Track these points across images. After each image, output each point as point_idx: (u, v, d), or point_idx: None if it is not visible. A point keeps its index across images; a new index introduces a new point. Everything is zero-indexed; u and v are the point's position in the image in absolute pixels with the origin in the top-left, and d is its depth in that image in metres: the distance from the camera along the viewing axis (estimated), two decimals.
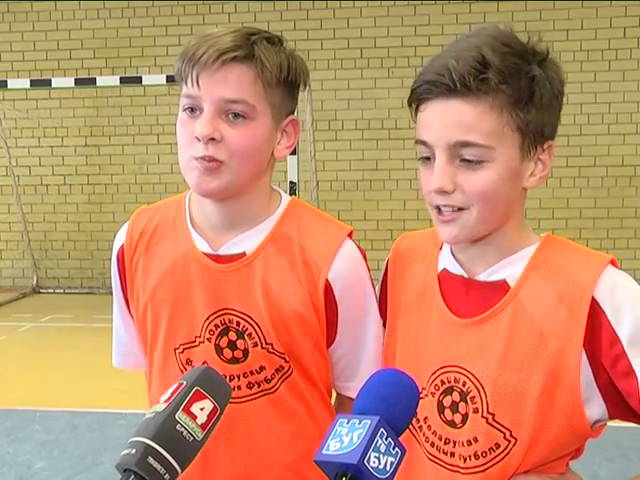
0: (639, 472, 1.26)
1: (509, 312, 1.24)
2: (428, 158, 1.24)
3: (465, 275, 1.30)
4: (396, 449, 0.91)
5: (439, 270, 1.34)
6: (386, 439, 0.90)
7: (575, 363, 1.20)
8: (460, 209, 1.22)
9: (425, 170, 1.25)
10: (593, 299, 1.20)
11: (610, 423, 1.30)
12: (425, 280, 1.35)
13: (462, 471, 1.26)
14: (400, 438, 0.96)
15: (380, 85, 8.74)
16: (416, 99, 1.25)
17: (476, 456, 1.24)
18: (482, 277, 1.29)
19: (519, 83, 1.19)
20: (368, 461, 0.87)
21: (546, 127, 1.24)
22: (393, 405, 0.95)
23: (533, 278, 1.25)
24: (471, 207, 1.22)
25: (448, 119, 1.20)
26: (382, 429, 0.90)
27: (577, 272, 1.23)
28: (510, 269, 1.27)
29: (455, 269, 1.32)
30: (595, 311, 1.20)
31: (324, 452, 0.90)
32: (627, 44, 8.46)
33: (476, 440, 1.24)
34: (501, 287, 1.27)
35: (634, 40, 8.46)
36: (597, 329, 1.20)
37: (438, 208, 1.24)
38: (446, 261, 1.34)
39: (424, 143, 1.23)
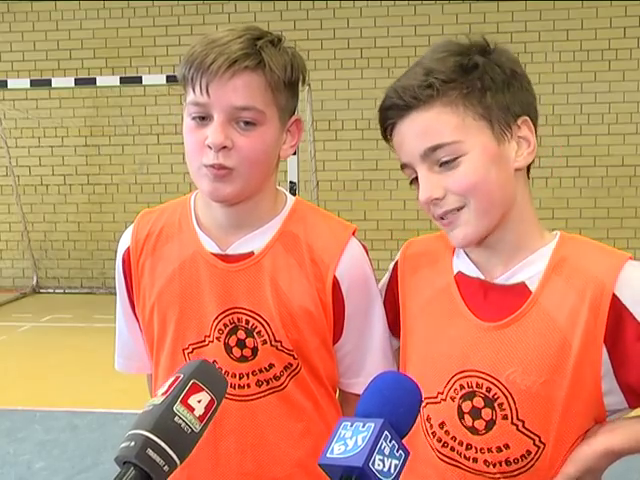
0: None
1: (532, 317, 1.24)
2: (414, 178, 1.28)
3: (482, 277, 1.30)
4: (400, 452, 0.90)
5: (454, 273, 1.34)
6: (390, 442, 0.90)
7: (596, 360, 1.20)
8: (458, 209, 1.23)
9: (417, 187, 1.29)
10: (614, 296, 1.20)
11: None
12: (441, 283, 1.35)
13: (489, 475, 1.25)
14: (410, 442, 0.95)
15: (380, 85, 8.72)
16: (384, 129, 1.31)
17: (508, 462, 1.24)
18: (501, 280, 1.28)
19: (466, 76, 1.23)
20: (373, 464, 0.87)
21: (512, 106, 1.25)
22: (396, 408, 0.94)
23: (554, 280, 1.25)
24: (467, 204, 1.23)
25: (412, 133, 1.24)
26: (386, 432, 0.90)
27: (596, 270, 1.23)
28: (528, 271, 1.27)
29: (471, 271, 1.32)
30: (617, 307, 1.20)
31: (328, 455, 0.90)
32: (627, 44, 8.46)
33: (507, 447, 1.23)
34: (521, 290, 1.26)
35: (634, 40, 8.47)
36: (620, 325, 1.20)
37: (441, 217, 1.26)
38: (461, 264, 1.34)
39: (405, 165, 1.29)
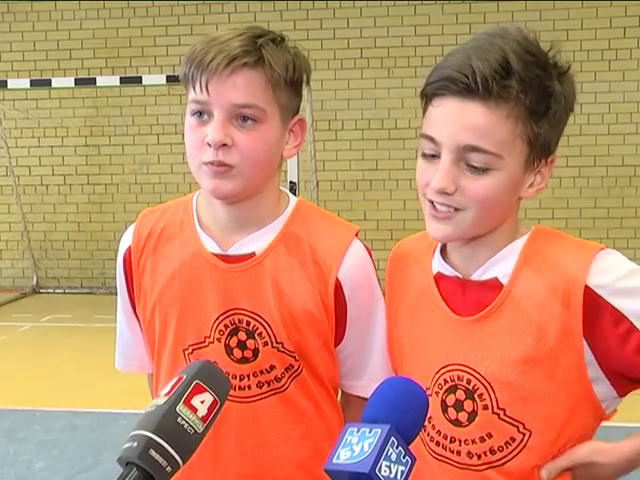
0: None
1: (505, 309, 1.25)
2: (432, 155, 1.23)
3: (459, 275, 1.31)
4: (406, 458, 0.90)
5: (434, 273, 1.35)
6: (397, 448, 0.89)
7: (577, 350, 1.21)
8: (456, 209, 1.22)
9: (425, 164, 1.24)
10: (587, 287, 1.20)
11: (609, 424, 1.31)
12: (422, 282, 1.36)
13: (473, 468, 1.26)
14: None
15: (380, 85, 8.74)
16: (431, 93, 1.22)
17: (492, 451, 1.25)
18: (475, 276, 1.30)
19: (538, 96, 1.18)
20: (379, 470, 0.87)
21: (552, 142, 1.24)
22: (403, 414, 0.94)
23: (525, 273, 1.26)
24: (468, 209, 1.22)
25: (462, 120, 1.18)
26: (393, 438, 0.90)
27: (568, 264, 1.23)
28: (500, 266, 1.28)
29: (448, 272, 1.33)
30: (591, 299, 1.20)
31: (335, 461, 0.89)
32: (627, 44, 8.46)
33: (490, 436, 1.25)
34: (493, 285, 1.27)
35: (634, 40, 8.46)
36: (597, 314, 1.20)
37: (432, 202, 1.24)
38: (439, 264, 1.35)
39: (432, 139, 1.21)
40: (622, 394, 1.26)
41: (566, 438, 1.24)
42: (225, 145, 1.32)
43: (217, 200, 1.41)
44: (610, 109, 8.52)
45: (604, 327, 1.20)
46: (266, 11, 8.82)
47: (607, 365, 1.22)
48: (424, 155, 1.24)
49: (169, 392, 0.90)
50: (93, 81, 8.14)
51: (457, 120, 1.18)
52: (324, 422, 1.47)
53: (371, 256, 1.47)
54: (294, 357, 1.42)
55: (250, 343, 1.41)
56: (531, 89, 1.17)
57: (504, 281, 1.26)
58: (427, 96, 1.24)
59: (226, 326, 1.41)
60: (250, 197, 1.40)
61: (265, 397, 1.42)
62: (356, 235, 1.47)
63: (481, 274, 1.29)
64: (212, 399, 0.91)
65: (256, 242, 1.43)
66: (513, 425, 1.24)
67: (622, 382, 1.24)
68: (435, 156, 1.22)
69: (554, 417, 1.23)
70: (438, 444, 1.29)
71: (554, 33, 8.47)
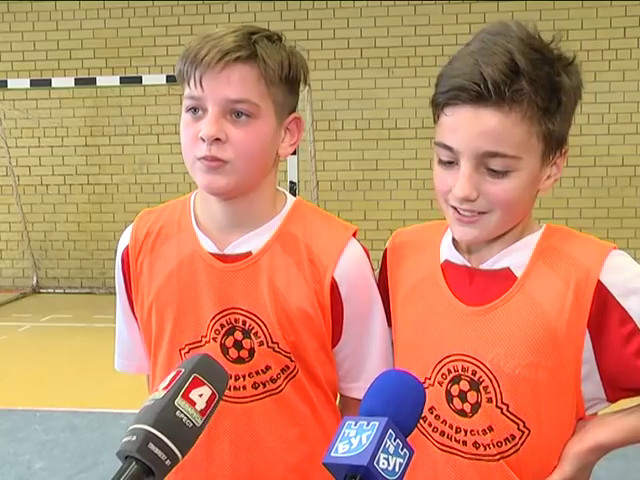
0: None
1: (517, 301, 1.25)
2: (450, 162, 1.23)
3: (468, 264, 1.31)
4: (404, 450, 0.90)
5: (441, 261, 1.35)
6: (394, 440, 0.90)
7: (579, 345, 1.22)
8: (480, 213, 1.23)
9: (443, 170, 1.25)
10: (599, 282, 1.21)
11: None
12: (427, 271, 1.36)
13: (482, 458, 1.27)
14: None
15: (380, 85, 8.75)
16: (443, 102, 1.22)
17: (493, 445, 1.26)
18: (486, 266, 1.30)
19: (549, 93, 1.19)
20: (378, 463, 0.87)
21: (565, 133, 1.25)
22: (400, 406, 0.94)
23: (539, 267, 1.26)
24: (492, 212, 1.23)
25: (479, 127, 1.18)
26: (390, 430, 0.90)
27: (582, 258, 1.24)
28: (513, 257, 1.28)
29: (457, 260, 1.33)
30: (602, 294, 1.21)
31: (333, 454, 0.89)
32: (627, 44, 8.47)
33: (491, 429, 1.25)
34: (505, 275, 1.28)
35: (634, 40, 8.47)
36: (604, 311, 1.21)
37: (455, 208, 1.24)
38: (448, 252, 1.35)
39: (449, 148, 1.22)
40: (612, 399, 1.26)
41: (558, 438, 1.25)
42: (219, 140, 1.32)
43: (213, 197, 1.41)
44: (610, 109, 8.53)
45: (610, 324, 1.21)
46: (266, 11, 8.83)
47: (604, 364, 1.22)
48: (440, 162, 1.25)
49: (167, 386, 0.90)
50: (93, 81, 8.16)
51: (473, 128, 1.18)
52: (321, 425, 1.45)
53: (369, 256, 1.46)
54: (290, 358, 1.41)
55: (246, 343, 1.40)
56: (542, 88, 1.18)
57: (517, 272, 1.27)
58: (438, 105, 1.24)
59: (222, 325, 1.41)
60: (245, 194, 1.40)
61: (260, 398, 1.41)
62: (354, 235, 1.46)
63: (492, 264, 1.29)
64: (210, 392, 0.91)
65: (253, 241, 1.42)
66: (514, 422, 1.24)
67: (614, 386, 1.24)
68: (452, 162, 1.23)
69: (551, 420, 1.24)
70: (443, 434, 1.29)
71: (554, 33, 8.45)
